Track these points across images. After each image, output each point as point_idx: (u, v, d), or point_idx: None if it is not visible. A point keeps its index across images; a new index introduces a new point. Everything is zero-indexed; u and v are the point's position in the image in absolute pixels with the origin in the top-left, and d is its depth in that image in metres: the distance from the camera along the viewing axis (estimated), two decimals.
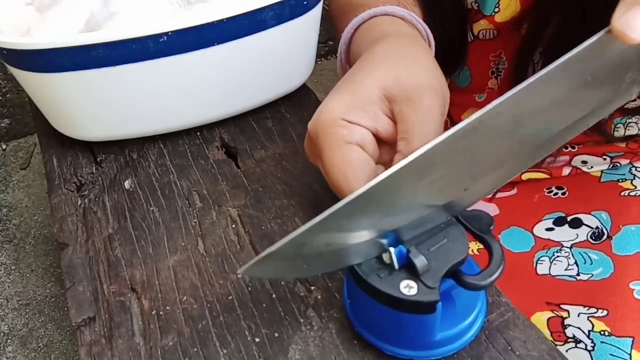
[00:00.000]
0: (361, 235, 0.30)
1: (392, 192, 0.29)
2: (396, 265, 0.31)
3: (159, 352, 0.35)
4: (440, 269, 0.30)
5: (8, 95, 1.58)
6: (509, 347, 0.33)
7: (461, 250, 0.31)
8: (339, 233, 0.30)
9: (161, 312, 0.38)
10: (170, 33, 0.45)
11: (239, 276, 0.39)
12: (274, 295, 0.38)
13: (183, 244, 0.43)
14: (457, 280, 0.31)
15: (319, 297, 0.37)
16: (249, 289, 0.39)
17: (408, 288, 0.30)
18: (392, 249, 0.30)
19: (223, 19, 0.46)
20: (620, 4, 0.29)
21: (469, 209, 0.33)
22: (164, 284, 0.40)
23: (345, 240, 0.30)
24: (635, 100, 0.53)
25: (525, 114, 0.30)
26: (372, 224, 0.30)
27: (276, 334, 0.36)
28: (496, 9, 0.52)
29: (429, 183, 0.30)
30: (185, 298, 0.38)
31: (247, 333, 0.36)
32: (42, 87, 0.48)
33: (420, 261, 0.30)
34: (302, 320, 0.36)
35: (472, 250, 0.52)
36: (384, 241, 0.31)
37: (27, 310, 1.20)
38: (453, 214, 0.33)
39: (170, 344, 0.36)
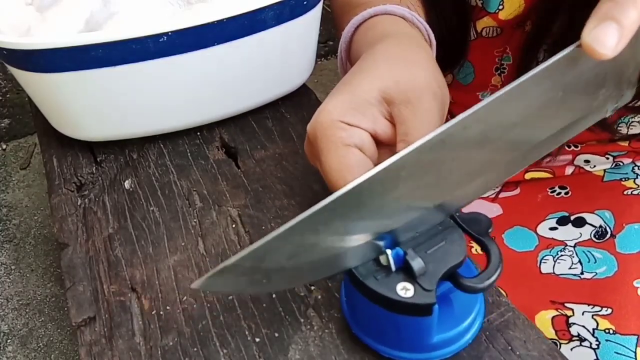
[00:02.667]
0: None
1: (357, 204, 0.29)
2: (393, 267, 0.30)
3: (159, 352, 0.35)
4: (437, 271, 0.30)
5: (8, 95, 1.58)
6: (509, 347, 0.33)
7: (459, 253, 0.31)
8: (306, 244, 0.29)
9: (161, 312, 0.38)
10: (170, 33, 0.45)
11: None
12: (274, 295, 0.38)
13: (183, 244, 0.43)
14: (455, 282, 0.31)
15: (319, 297, 0.37)
16: None
17: (405, 290, 0.30)
18: (388, 251, 0.30)
19: (223, 19, 0.46)
20: (591, 18, 0.28)
21: (467, 210, 0.33)
22: (164, 284, 0.40)
23: (316, 250, 0.29)
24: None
25: (494, 128, 0.29)
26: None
27: (276, 334, 0.36)
28: (500, 6, 0.52)
29: (394, 198, 0.29)
30: (185, 298, 0.38)
31: (247, 333, 0.36)
32: (42, 87, 0.48)
33: (417, 263, 0.30)
34: (302, 320, 0.36)
35: (476, 250, 0.52)
36: (381, 243, 0.31)
37: (27, 310, 1.20)
38: (444, 216, 0.33)
39: (171, 344, 0.36)
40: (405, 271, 0.30)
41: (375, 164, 0.36)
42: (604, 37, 0.28)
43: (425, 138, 0.28)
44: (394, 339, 0.32)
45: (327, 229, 0.29)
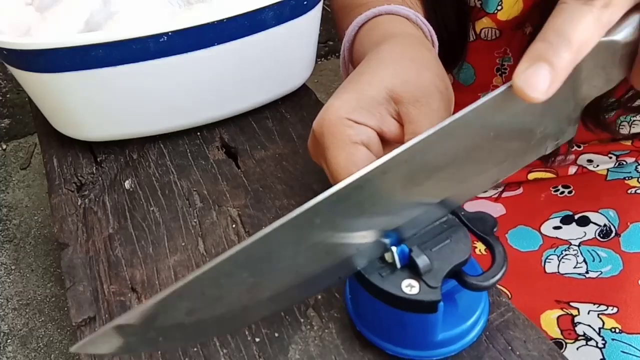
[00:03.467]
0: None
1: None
2: (398, 265, 0.31)
3: (159, 352, 0.35)
4: (442, 269, 0.30)
5: (8, 95, 1.58)
6: (509, 347, 0.33)
7: (464, 251, 0.31)
8: (209, 295, 0.26)
9: None
10: (170, 33, 0.45)
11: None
12: None
13: (183, 244, 0.43)
14: (460, 280, 0.31)
15: (319, 297, 0.37)
16: None
17: (410, 287, 0.30)
18: (394, 248, 0.30)
19: (223, 19, 0.46)
20: (524, 58, 0.27)
21: (472, 210, 0.33)
22: (164, 284, 0.40)
23: (222, 302, 0.27)
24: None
25: (419, 172, 0.29)
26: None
27: (276, 334, 0.36)
28: (499, 7, 0.52)
29: (308, 246, 0.28)
30: None
31: (247, 333, 0.36)
32: (42, 87, 0.48)
33: (422, 260, 0.30)
34: (302, 320, 0.36)
35: (480, 250, 0.52)
36: (386, 240, 0.31)
37: (27, 310, 1.20)
38: (445, 210, 0.32)
39: None
40: (411, 268, 0.31)
41: None
42: (535, 80, 0.26)
43: (345, 182, 0.26)
44: (399, 336, 0.32)
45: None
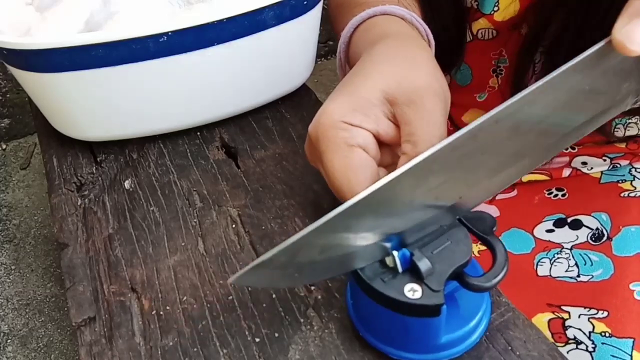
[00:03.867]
0: (363, 239, 0.30)
1: (392, 197, 0.29)
2: (400, 269, 0.30)
3: (159, 352, 0.35)
4: (444, 271, 0.30)
5: (8, 95, 1.58)
6: (509, 347, 0.33)
7: (465, 252, 0.31)
8: (337, 239, 0.29)
9: (161, 312, 0.38)
10: (170, 33, 0.45)
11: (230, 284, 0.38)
12: (274, 295, 0.38)
13: (183, 244, 0.43)
14: (462, 282, 0.31)
15: (319, 297, 0.37)
16: (249, 289, 0.39)
17: (412, 292, 0.30)
18: (395, 253, 0.30)
19: (223, 19, 0.46)
20: (622, 15, 0.29)
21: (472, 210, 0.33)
22: (164, 284, 0.40)
23: (346, 244, 0.30)
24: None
25: (524, 122, 0.30)
26: (373, 227, 0.30)
27: (276, 334, 0.36)
28: (495, 8, 0.52)
29: (427, 189, 0.30)
30: (185, 298, 0.38)
31: (247, 333, 0.36)
32: (42, 87, 0.48)
33: (424, 264, 0.30)
34: (302, 320, 0.36)
35: (473, 252, 0.52)
36: (388, 245, 0.31)
37: (27, 310, 1.20)
38: (454, 217, 0.33)
39: (171, 344, 0.36)
40: (412, 272, 0.30)
41: (378, 165, 0.36)
42: (635, 34, 0.28)
43: (458, 133, 0.28)
44: (401, 340, 0.32)
45: (357, 225, 0.29)
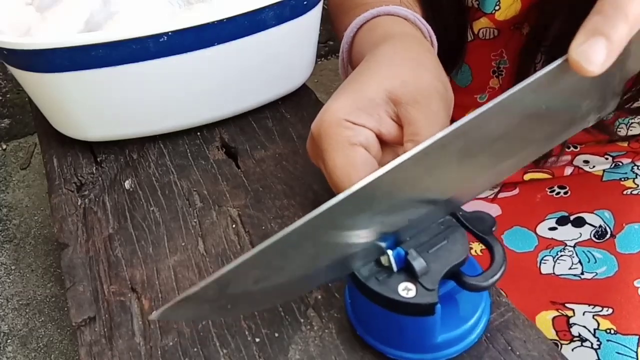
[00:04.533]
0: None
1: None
2: (394, 268, 0.30)
3: (159, 352, 0.35)
4: (439, 270, 0.30)
5: (8, 95, 1.58)
6: (509, 347, 0.33)
7: (461, 251, 0.31)
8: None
9: None
10: (170, 33, 0.45)
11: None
12: None
13: (183, 244, 0.43)
14: (458, 281, 0.31)
15: (319, 297, 0.37)
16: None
17: (406, 290, 0.30)
18: (390, 252, 0.30)
19: (223, 19, 0.46)
20: (579, 32, 0.27)
21: (468, 210, 0.33)
22: (164, 284, 0.40)
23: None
24: (638, 100, 0.53)
25: (475, 145, 0.29)
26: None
27: (276, 334, 0.36)
28: (497, 7, 0.52)
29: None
30: None
31: (247, 333, 0.36)
32: (42, 87, 0.48)
33: (418, 263, 0.30)
34: (302, 320, 0.36)
35: (475, 251, 0.52)
36: (383, 244, 0.31)
37: (27, 310, 1.20)
38: (449, 210, 0.33)
39: (171, 344, 0.36)
40: (407, 271, 0.30)
41: (380, 164, 0.36)
42: (592, 54, 0.27)
43: (404, 156, 0.27)
44: (398, 339, 0.32)
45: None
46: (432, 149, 0.28)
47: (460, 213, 0.33)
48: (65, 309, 1.18)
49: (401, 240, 0.31)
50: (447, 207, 0.32)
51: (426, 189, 0.30)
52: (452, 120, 0.35)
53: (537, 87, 0.28)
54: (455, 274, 0.31)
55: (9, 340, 1.14)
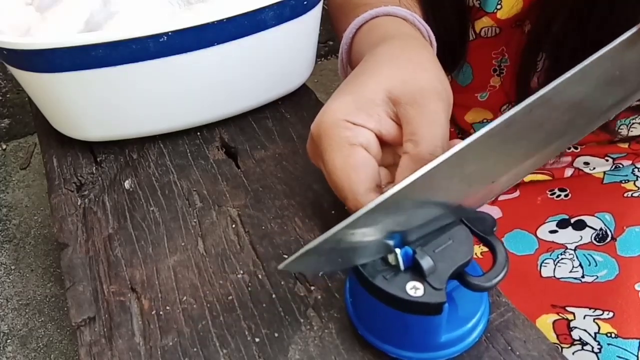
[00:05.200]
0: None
1: (427, 190, 0.29)
2: (402, 267, 0.30)
3: (159, 352, 0.35)
4: (446, 270, 0.30)
5: (8, 95, 1.58)
6: (509, 347, 0.33)
7: (466, 251, 0.31)
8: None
9: (161, 312, 0.38)
10: (170, 33, 0.45)
11: (280, 269, 0.36)
12: (273, 295, 0.38)
13: (183, 244, 0.43)
14: (462, 281, 0.31)
15: (319, 297, 0.37)
16: (249, 289, 0.39)
17: (414, 289, 0.30)
18: (398, 250, 0.30)
19: (223, 19, 0.46)
20: None
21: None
22: (164, 284, 0.40)
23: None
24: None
25: (557, 108, 0.30)
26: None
27: (276, 334, 0.36)
28: (498, 6, 0.52)
29: (457, 180, 0.30)
30: (185, 298, 0.38)
31: (247, 333, 0.36)
32: (42, 87, 0.48)
33: (426, 262, 0.30)
34: (302, 320, 0.36)
35: (475, 254, 0.52)
36: (390, 242, 0.31)
37: (27, 310, 1.20)
38: (462, 215, 0.33)
39: (170, 344, 0.36)
40: (414, 270, 0.30)
41: (380, 164, 0.36)
42: None
43: (493, 123, 0.28)
44: (401, 338, 0.32)
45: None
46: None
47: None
48: (65, 309, 1.18)
49: (408, 239, 0.31)
50: (460, 211, 0.32)
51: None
52: (452, 119, 0.35)
53: (612, 55, 0.30)
54: (459, 274, 0.31)
55: (8, 340, 1.14)
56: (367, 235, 0.30)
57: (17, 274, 1.27)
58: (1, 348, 1.13)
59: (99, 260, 0.42)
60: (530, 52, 0.53)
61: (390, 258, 0.31)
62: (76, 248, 0.43)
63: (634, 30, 0.30)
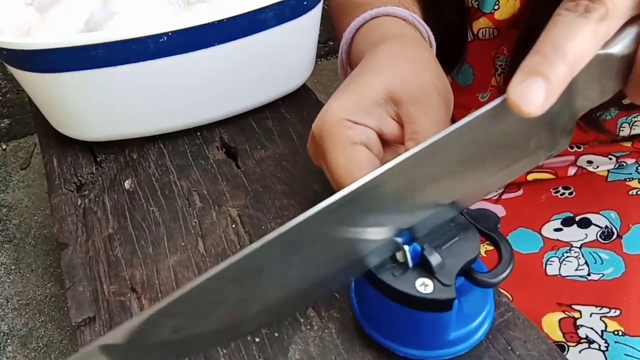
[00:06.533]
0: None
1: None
2: (410, 264, 0.30)
3: None
4: (454, 266, 0.30)
5: (8, 95, 1.58)
6: (509, 347, 0.33)
7: (474, 247, 0.31)
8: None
9: None
10: (170, 33, 0.45)
11: None
12: None
13: (183, 244, 0.43)
14: (469, 278, 0.31)
15: None
16: None
17: (424, 286, 0.30)
18: (406, 247, 0.30)
19: (223, 19, 0.46)
20: (518, 72, 0.26)
21: (475, 207, 0.33)
22: (164, 284, 0.40)
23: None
24: None
25: (417, 180, 0.28)
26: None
27: (276, 334, 0.36)
28: (496, 6, 0.52)
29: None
30: None
31: None
32: (42, 87, 0.48)
33: (435, 259, 0.30)
34: (302, 320, 0.36)
35: (479, 253, 0.51)
36: (399, 240, 0.31)
37: (27, 310, 1.20)
38: (451, 212, 0.33)
39: None
40: (422, 267, 0.30)
41: (382, 164, 0.36)
42: (530, 94, 0.25)
43: (336, 196, 0.26)
44: (409, 336, 0.32)
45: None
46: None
47: (465, 211, 0.33)
48: (65, 308, 1.18)
49: (415, 236, 0.31)
50: (452, 207, 0.32)
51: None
52: (452, 120, 0.35)
53: (474, 128, 0.27)
54: (466, 271, 0.31)
55: (9, 340, 1.14)
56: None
57: (17, 274, 1.27)
58: (1, 348, 1.13)
59: (99, 260, 0.42)
60: (525, 51, 0.53)
61: (398, 255, 0.31)
62: (76, 248, 0.43)
63: (498, 101, 0.27)
